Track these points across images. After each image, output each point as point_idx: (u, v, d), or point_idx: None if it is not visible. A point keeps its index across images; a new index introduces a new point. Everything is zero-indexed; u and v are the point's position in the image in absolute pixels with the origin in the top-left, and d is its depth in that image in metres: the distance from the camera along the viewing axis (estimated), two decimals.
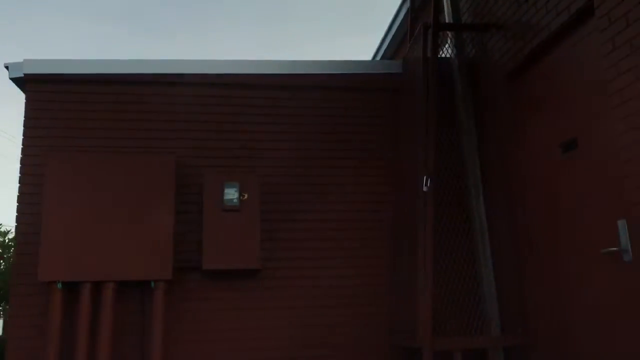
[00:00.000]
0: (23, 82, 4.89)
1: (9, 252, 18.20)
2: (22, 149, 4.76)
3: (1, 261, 18.28)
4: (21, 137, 4.78)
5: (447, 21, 5.47)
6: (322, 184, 5.16)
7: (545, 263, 4.22)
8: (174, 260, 4.68)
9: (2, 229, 19.00)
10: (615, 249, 3.35)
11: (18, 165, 4.55)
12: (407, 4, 6.34)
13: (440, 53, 5.57)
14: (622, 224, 3.33)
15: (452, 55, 5.35)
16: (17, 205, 4.66)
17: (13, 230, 16.42)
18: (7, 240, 18.79)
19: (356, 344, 4.88)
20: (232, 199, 4.64)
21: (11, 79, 4.86)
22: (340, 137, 5.27)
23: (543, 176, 4.26)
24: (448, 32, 5.46)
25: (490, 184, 4.94)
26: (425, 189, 4.47)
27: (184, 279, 4.75)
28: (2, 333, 16.76)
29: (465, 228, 5.09)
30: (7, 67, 4.84)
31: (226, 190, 4.65)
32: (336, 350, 4.85)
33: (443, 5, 5.54)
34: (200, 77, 5.06)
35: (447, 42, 5.50)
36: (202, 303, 4.75)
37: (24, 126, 4.80)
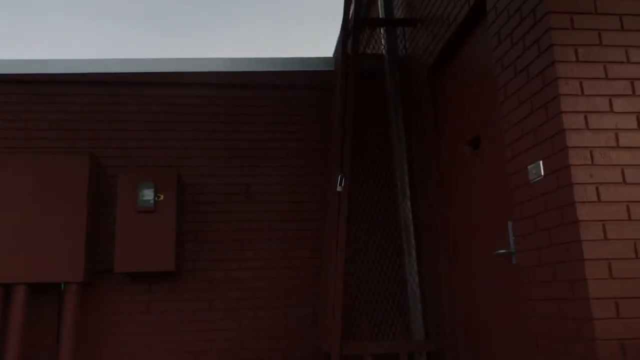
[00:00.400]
0: None
1: None
2: None
3: None
4: None
5: (380, 16, 5.34)
6: (252, 183, 5.06)
7: (460, 264, 4.09)
8: (93, 262, 4.63)
9: None
10: (504, 250, 3.22)
11: None
12: None
13: (374, 49, 5.46)
14: (511, 225, 3.20)
15: (384, 52, 5.22)
16: None
17: None
18: None
19: (281, 346, 4.78)
20: (146, 200, 4.56)
21: None
22: (273, 135, 5.16)
23: (457, 176, 4.12)
24: (380, 28, 5.33)
25: (415, 184, 4.81)
26: (339, 188, 4.36)
27: (104, 281, 4.68)
28: None
29: (392, 229, 4.96)
30: None
31: (140, 191, 4.57)
32: (260, 353, 4.75)
33: (377, 0, 5.41)
34: (119, 77, 4.99)
35: (381, 39, 5.37)
36: (121, 305, 4.68)
37: None
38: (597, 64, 2.62)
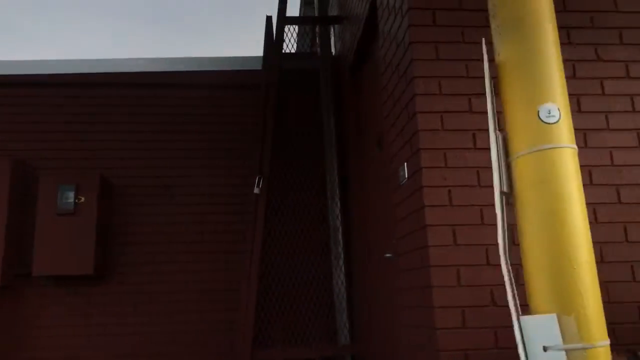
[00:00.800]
0: None
1: None
2: None
3: None
4: None
5: (316, 14, 5.26)
6: (181, 185, 4.99)
7: (374, 267, 3.99)
8: (15, 265, 4.59)
9: None
10: (389, 254, 3.12)
11: None
12: None
13: (309, 48, 5.37)
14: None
15: (318, 51, 5.13)
16: None
17: None
18: None
19: (207, 350, 4.71)
20: (66, 202, 4.50)
21: None
22: (203, 136, 5.08)
23: (370, 177, 4.03)
24: (316, 27, 5.24)
25: (344, 186, 4.71)
26: (256, 190, 4.28)
27: (26, 285, 4.64)
28: None
29: (323, 231, 4.86)
30: None
31: (61, 193, 4.52)
32: (184, 357, 4.68)
33: None
34: (43, 78, 4.94)
35: (315, 38, 5.29)
36: (44, 309, 4.62)
37: None
38: (459, 61, 2.52)
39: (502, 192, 1.47)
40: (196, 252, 4.87)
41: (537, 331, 1.36)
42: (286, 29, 5.09)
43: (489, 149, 2.40)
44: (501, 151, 1.49)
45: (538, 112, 1.44)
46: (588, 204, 2.38)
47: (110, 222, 4.82)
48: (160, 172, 4.99)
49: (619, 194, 2.43)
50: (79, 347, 4.58)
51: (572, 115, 2.40)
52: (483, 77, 2.51)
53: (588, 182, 2.44)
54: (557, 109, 1.44)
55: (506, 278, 1.37)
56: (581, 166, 2.31)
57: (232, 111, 5.15)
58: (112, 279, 4.74)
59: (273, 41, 4.60)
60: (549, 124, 1.43)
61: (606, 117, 2.51)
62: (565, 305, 1.34)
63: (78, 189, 4.55)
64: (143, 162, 5.00)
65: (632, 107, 2.54)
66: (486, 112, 2.47)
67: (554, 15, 1.55)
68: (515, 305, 1.38)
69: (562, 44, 2.49)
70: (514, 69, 1.51)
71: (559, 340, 1.33)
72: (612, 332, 2.25)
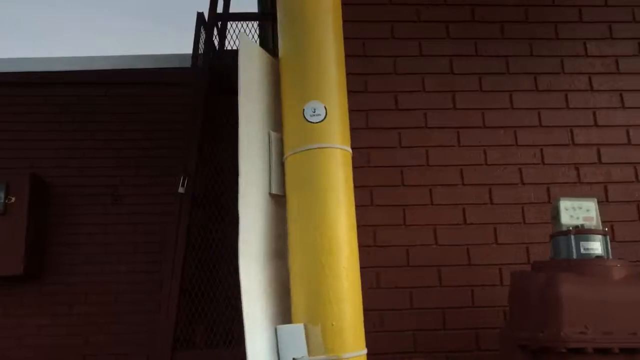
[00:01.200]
0: None
1: None
2: None
3: None
4: None
5: (257, 11, 5.19)
6: (120, 185, 4.94)
7: None
8: None
9: None
10: None
11: None
12: None
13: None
14: None
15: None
16: None
17: None
18: None
19: (145, 352, 4.67)
20: None
21: None
22: (143, 135, 5.02)
23: None
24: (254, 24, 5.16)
25: None
26: (181, 190, 4.21)
27: None
28: None
29: None
30: None
31: None
32: (122, 359, 4.64)
33: None
34: None
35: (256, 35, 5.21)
36: None
37: None
38: None
39: (271, 194, 1.40)
40: (136, 253, 4.81)
41: (289, 341, 1.29)
42: (234, 25, 5.03)
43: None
44: (274, 151, 1.42)
45: (303, 110, 1.37)
46: (458, 205, 2.31)
47: (45, 222, 4.78)
48: (101, 172, 4.93)
49: (491, 194, 2.35)
50: (10, 348, 4.55)
51: (447, 112, 2.32)
52: (354, 74, 2.43)
53: (460, 182, 2.36)
54: (323, 107, 1.36)
55: (243, 285, 1.30)
56: (454, 165, 2.25)
57: (176, 109, 5.09)
58: (47, 280, 4.69)
59: (202, 36, 4.54)
60: (312, 123, 1.36)
61: (482, 115, 2.43)
62: (313, 315, 1.27)
63: (9, 189, 4.51)
64: (83, 162, 4.94)
65: (510, 104, 2.45)
66: (358, 110, 2.40)
67: (339, 9, 1.47)
68: (267, 315, 1.31)
69: (441, 38, 2.42)
70: (288, 66, 1.44)
71: (305, 351, 1.26)
72: (475, 337, 2.18)
